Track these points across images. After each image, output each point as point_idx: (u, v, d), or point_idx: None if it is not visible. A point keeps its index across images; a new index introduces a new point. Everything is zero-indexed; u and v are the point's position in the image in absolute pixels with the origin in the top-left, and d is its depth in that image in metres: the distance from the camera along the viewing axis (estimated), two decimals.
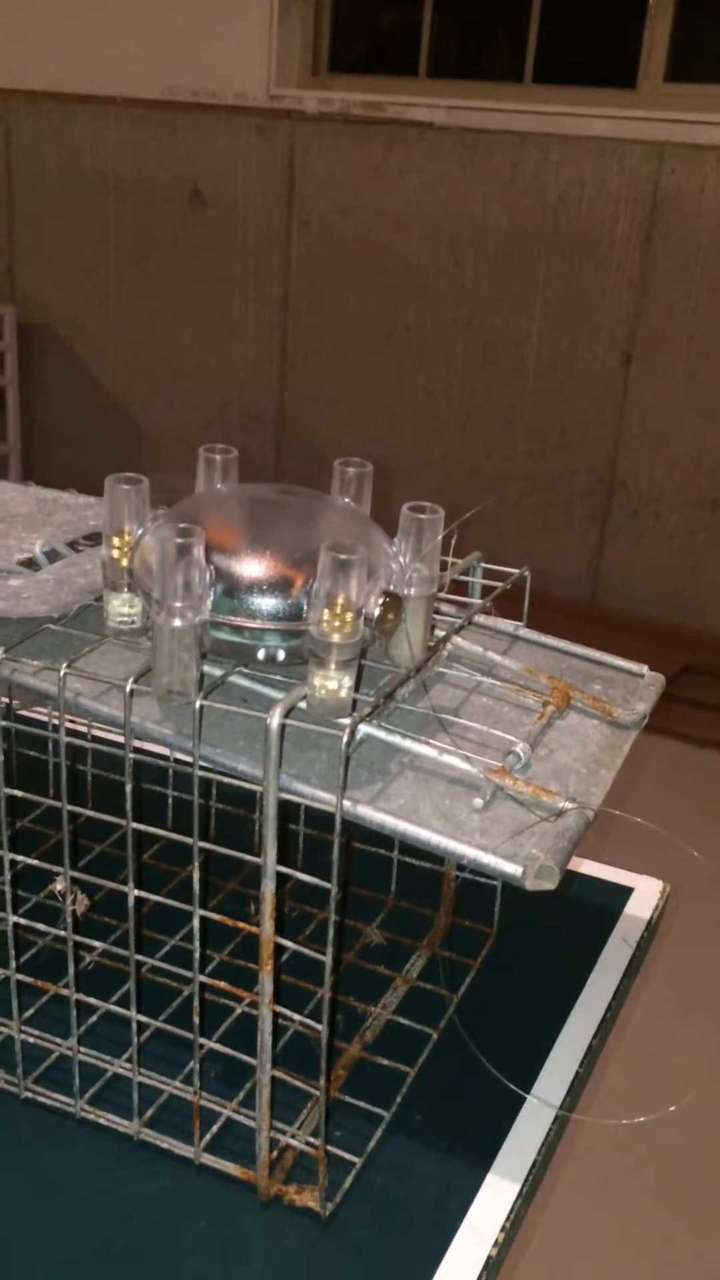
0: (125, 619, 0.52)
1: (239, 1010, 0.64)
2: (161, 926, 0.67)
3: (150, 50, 3.31)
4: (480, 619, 0.65)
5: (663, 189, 2.85)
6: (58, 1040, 0.60)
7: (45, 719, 0.82)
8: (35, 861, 0.55)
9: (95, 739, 0.80)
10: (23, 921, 0.57)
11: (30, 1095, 0.59)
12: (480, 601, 0.62)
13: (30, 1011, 0.63)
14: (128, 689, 0.49)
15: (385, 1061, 0.64)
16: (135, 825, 0.51)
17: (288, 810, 0.78)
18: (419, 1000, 0.68)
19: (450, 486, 3.25)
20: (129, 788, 0.51)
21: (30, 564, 0.61)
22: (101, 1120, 0.58)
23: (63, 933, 0.54)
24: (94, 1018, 0.62)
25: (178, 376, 3.54)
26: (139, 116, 3.38)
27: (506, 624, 0.66)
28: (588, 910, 0.77)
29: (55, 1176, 0.56)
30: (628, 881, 0.80)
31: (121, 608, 0.52)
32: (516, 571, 0.65)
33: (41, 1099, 0.59)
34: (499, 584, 0.64)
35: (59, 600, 0.56)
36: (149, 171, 3.41)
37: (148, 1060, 0.59)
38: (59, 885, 0.53)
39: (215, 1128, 0.58)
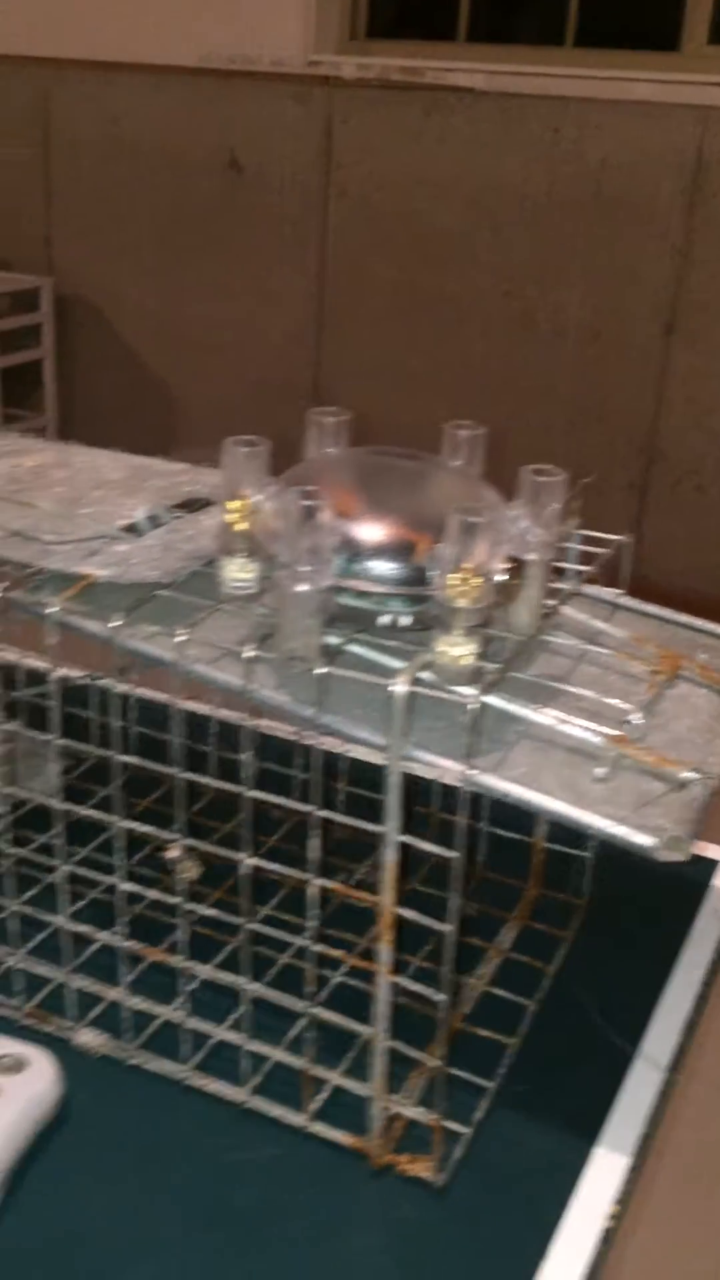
0: (240, 584, 0.51)
1: (336, 979, 0.63)
2: (258, 896, 0.67)
3: (187, 17, 3.28)
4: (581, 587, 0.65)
5: (706, 154, 2.81)
6: (162, 1007, 0.60)
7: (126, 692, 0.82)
8: (149, 829, 0.55)
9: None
10: (131, 888, 0.57)
11: (136, 1062, 0.59)
12: (588, 568, 0.61)
13: (131, 977, 0.63)
14: (246, 655, 0.48)
15: (485, 1033, 0.63)
16: (253, 794, 0.51)
17: (372, 779, 0.77)
18: (513, 972, 0.68)
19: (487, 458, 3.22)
20: (248, 755, 0.50)
21: (132, 530, 0.60)
22: (208, 1087, 0.58)
23: (173, 899, 0.54)
24: (193, 984, 0.62)
25: (213, 347, 3.52)
26: (176, 84, 3.35)
27: (608, 592, 0.65)
28: (678, 883, 0.77)
29: (164, 1143, 0.56)
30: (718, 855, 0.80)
31: (237, 573, 0.51)
32: (614, 538, 0.64)
33: (148, 1066, 0.59)
34: (600, 550, 0.63)
35: (168, 565, 0.55)
36: (186, 140, 3.39)
37: (249, 1027, 0.59)
38: (173, 852, 0.53)
39: (323, 1096, 0.57)
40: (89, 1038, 0.60)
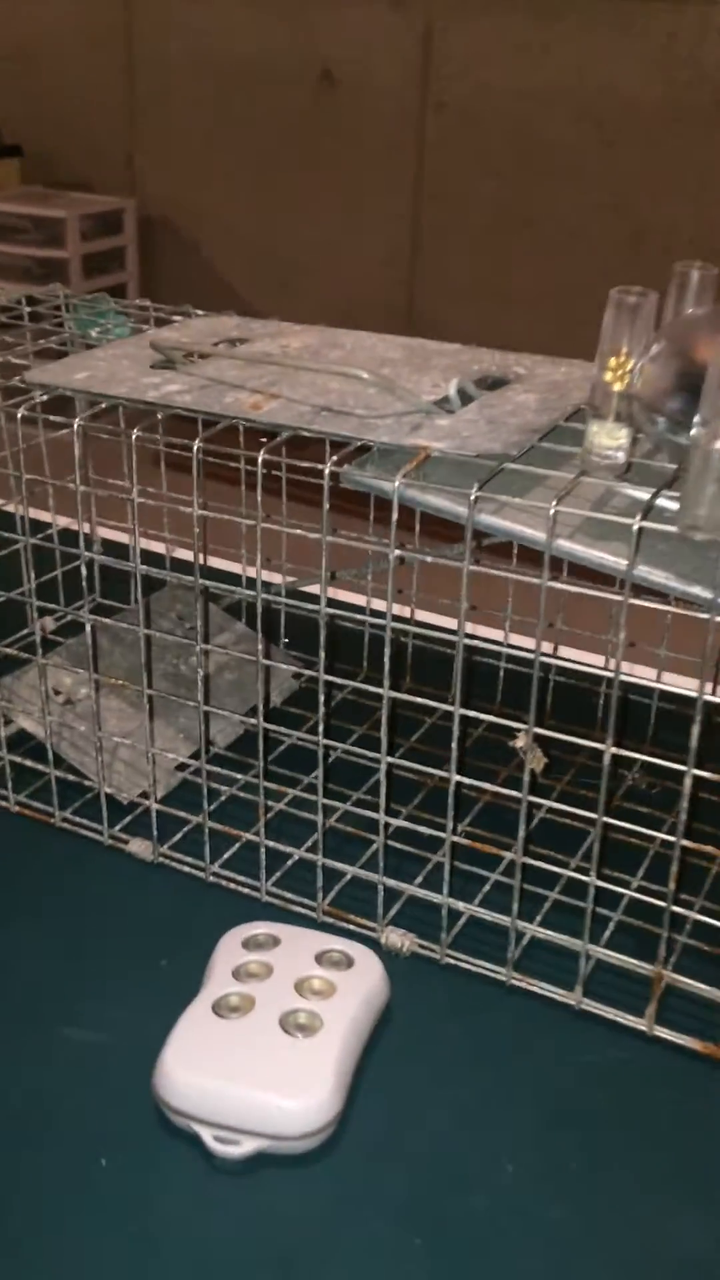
0: (607, 452, 0.48)
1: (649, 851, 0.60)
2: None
3: None
4: None
5: None
6: (495, 915, 0.58)
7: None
8: (497, 719, 0.52)
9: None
10: (468, 781, 0.54)
11: (451, 961, 0.57)
12: None
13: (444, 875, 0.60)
14: (635, 526, 0.44)
15: None
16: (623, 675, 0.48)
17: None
18: None
19: None
20: (621, 635, 0.47)
21: (444, 404, 0.56)
22: (536, 989, 0.56)
23: (516, 794, 0.51)
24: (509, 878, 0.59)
25: (304, 268, 3.45)
26: None
27: None
28: None
29: (502, 1044, 0.54)
30: None
31: (605, 439, 0.48)
32: None
33: (474, 967, 0.57)
34: None
35: (505, 439, 0.52)
36: (275, 52, 3.29)
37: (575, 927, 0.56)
38: (519, 741, 0.50)
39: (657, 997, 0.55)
40: (396, 937, 0.58)
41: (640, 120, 3.00)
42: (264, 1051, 0.48)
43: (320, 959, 0.53)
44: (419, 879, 0.62)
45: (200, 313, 0.75)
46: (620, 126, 3.03)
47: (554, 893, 0.60)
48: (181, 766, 0.70)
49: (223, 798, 0.68)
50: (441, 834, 0.56)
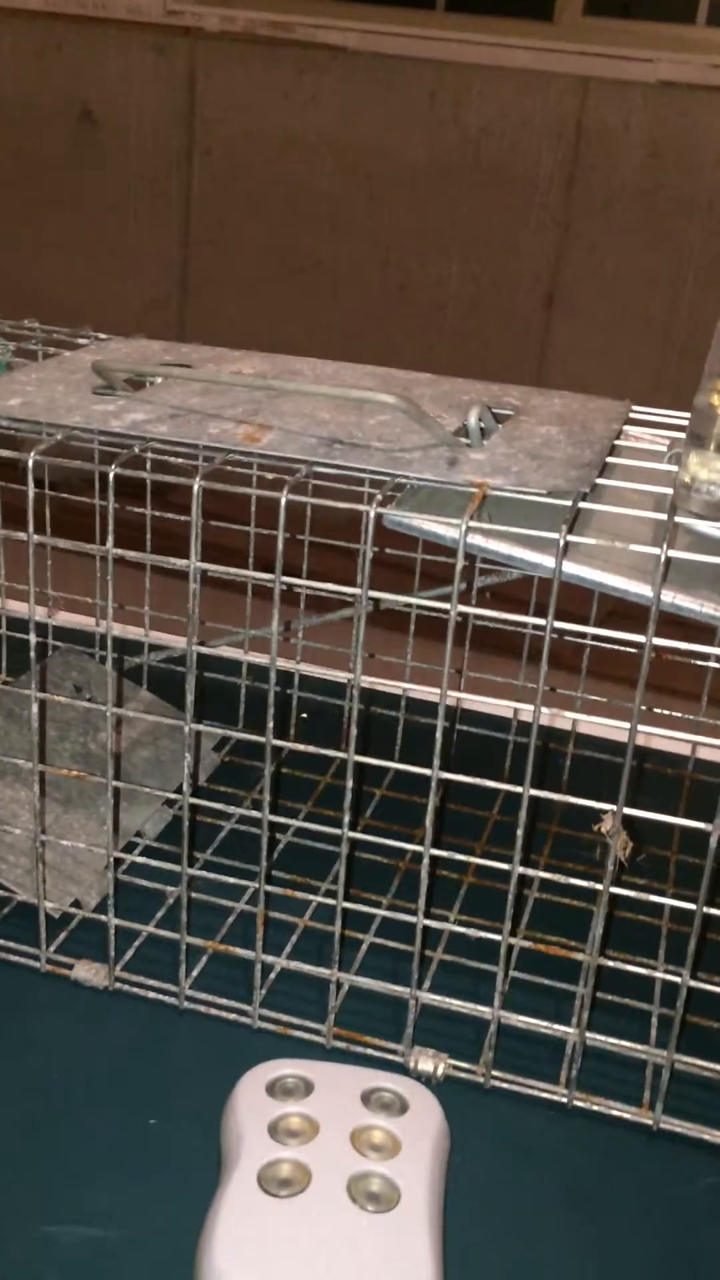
0: (711, 486, 0.41)
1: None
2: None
3: None
4: None
5: (586, 124, 2.81)
6: (551, 1024, 0.50)
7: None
8: (583, 801, 0.44)
9: None
10: (546, 877, 0.46)
11: (496, 1085, 0.49)
12: None
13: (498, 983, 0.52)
14: None
15: None
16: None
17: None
18: None
19: None
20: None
21: (464, 436, 0.49)
22: (601, 1108, 0.48)
23: (597, 886, 0.44)
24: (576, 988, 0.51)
25: (68, 311, 3.31)
26: (22, 28, 3.12)
27: None
28: None
29: (584, 1182, 0.46)
30: None
31: (707, 473, 0.41)
32: None
33: (526, 1089, 0.48)
34: None
35: (563, 474, 0.45)
36: (33, 90, 3.16)
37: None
38: (606, 824, 0.43)
39: None
40: (428, 1061, 0.49)
41: (405, 175, 3.04)
42: (343, 1240, 0.38)
43: (368, 1101, 0.44)
44: (427, 982, 0.53)
45: (103, 336, 0.65)
46: (386, 180, 3.06)
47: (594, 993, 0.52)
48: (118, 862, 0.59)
49: (170, 900, 0.57)
50: (496, 936, 0.47)
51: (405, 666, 0.70)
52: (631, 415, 0.57)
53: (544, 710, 0.42)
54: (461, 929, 0.51)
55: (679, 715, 0.65)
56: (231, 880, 0.55)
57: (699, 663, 0.63)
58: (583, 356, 3.15)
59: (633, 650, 0.48)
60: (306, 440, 0.47)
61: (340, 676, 0.73)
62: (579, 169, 2.95)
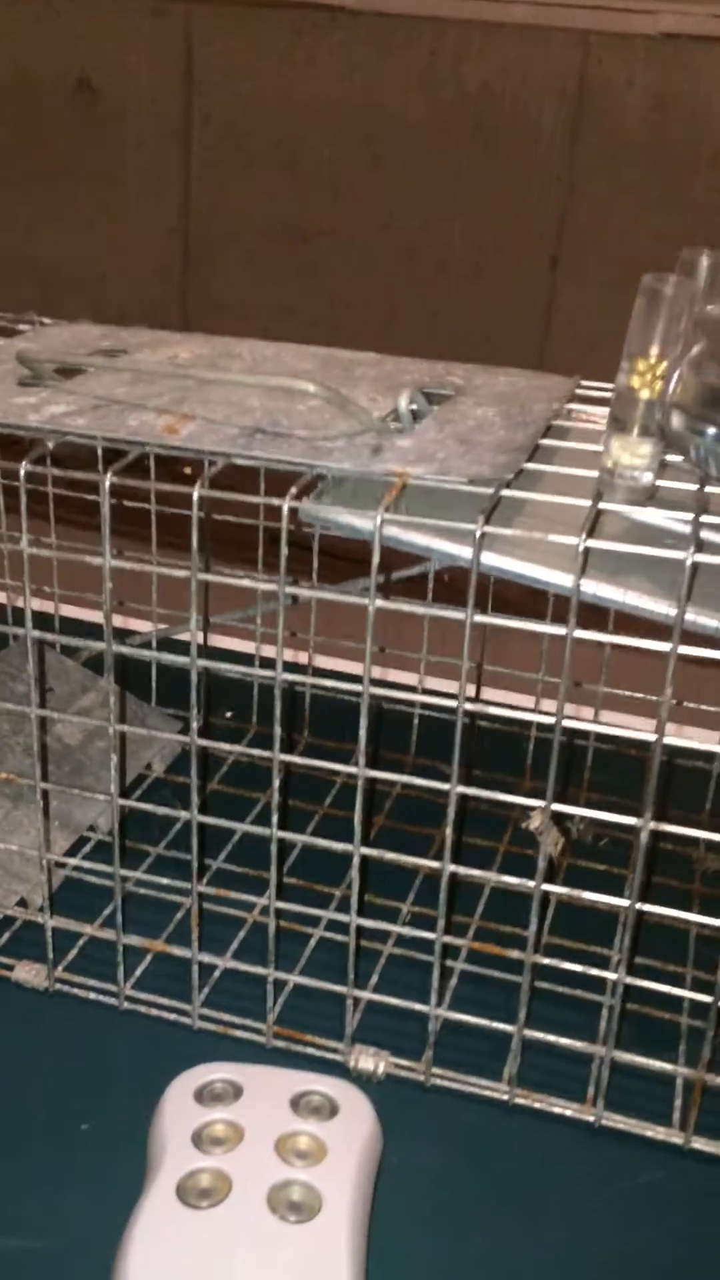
0: (633, 471, 0.40)
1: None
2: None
3: None
4: None
5: (588, 80, 2.75)
6: (493, 1022, 0.49)
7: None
8: (507, 796, 0.43)
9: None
10: (462, 871, 0.45)
11: (438, 1082, 0.48)
12: None
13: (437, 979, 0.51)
14: (688, 562, 0.37)
15: None
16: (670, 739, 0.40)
17: None
18: None
19: None
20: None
21: (391, 420, 0.48)
22: (543, 1105, 0.47)
23: (528, 881, 0.43)
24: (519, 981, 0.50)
25: (66, 279, 3.28)
26: None
27: None
28: None
29: (523, 1181, 0.45)
30: None
31: (629, 457, 0.40)
32: None
33: (468, 1087, 0.48)
34: None
35: (487, 461, 0.43)
36: (29, 59, 3.12)
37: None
38: (534, 821, 0.42)
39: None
40: (369, 1060, 0.48)
41: (406, 137, 3.00)
42: (260, 1252, 0.38)
43: (297, 1106, 0.43)
44: (374, 978, 0.52)
45: (47, 320, 0.64)
46: (387, 143, 3.02)
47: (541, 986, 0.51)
48: (61, 862, 0.58)
49: (117, 899, 0.56)
50: (429, 934, 0.46)
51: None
52: (581, 392, 0.56)
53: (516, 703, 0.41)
54: (408, 930, 0.50)
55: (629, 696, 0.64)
56: (176, 881, 0.54)
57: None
58: (589, 318, 3.11)
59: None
60: (228, 430, 0.45)
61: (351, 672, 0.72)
62: (582, 126, 2.90)
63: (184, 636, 0.73)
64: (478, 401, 0.51)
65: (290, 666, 0.44)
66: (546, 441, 0.47)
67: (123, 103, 3.15)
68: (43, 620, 0.74)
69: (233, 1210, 0.39)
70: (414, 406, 0.48)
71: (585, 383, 0.57)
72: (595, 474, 0.43)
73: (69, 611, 0.75)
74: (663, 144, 2.75)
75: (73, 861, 0.58)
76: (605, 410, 0.54)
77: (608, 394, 0.56)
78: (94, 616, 0.76)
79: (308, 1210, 0.39)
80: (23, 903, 0.55)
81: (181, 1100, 0.43)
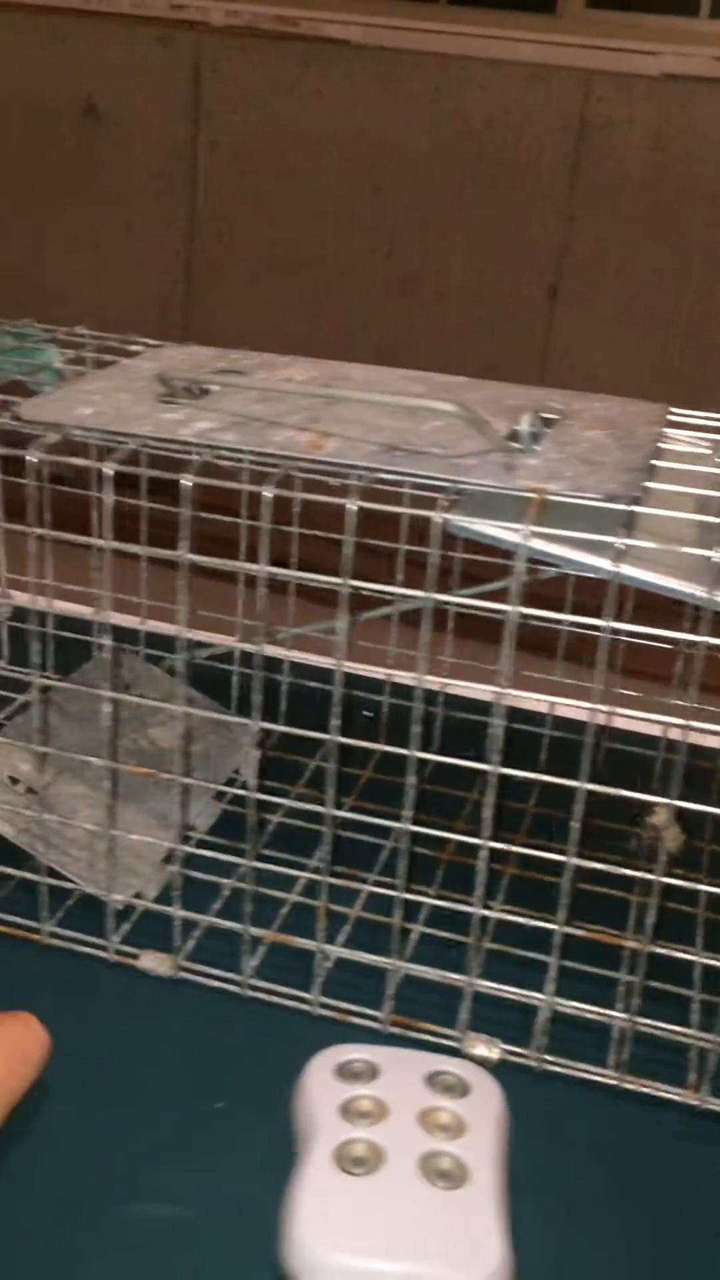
0: None
1: None
2: None
3: None
4: None
5: (590, 117, 2.82)
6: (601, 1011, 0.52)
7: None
8: (626, 793, 0.46)
9: None
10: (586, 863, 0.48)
11: (549, 1069, 0.50)
12: None
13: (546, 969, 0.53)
14: None
15: None
16: None
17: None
18: None
19: None
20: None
21: (514, 441, 0.51)
22: (650, 1089, 0.50)
23: (647, 876, 0.46)
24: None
25: (69, 300, 3.32)
26: (26, 22, 3.12)
27: None
28: None
29: (641, 1162, 0.48)
30: None
31: None
32: None
33: (577, 1072, 0.50)
34: None
35: (616, 479, 0.47)
36: (38, 83, 3.16)
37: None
38: (658, 816, 0.45)
39: None
40: (483, 1046, 0.51)
41: (409, 169, 3.05)
42: (419, 1215, 0.40)
43: (432, 1084, 0.46)
44: (476, 969, 0.55)
45: (153, 342, 0.67)
46: (390, 173, 3.07)
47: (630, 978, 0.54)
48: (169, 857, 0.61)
49: (226, 893, 0.59)
50: (550, 924, 0.49)
51: (447, 662, 0.71)
52: (669, 418, 0.59)
53: (581, 705, 0.44)
54: (514, 917, 0.53)
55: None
56: (284, 871, 0.56)
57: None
58: (587, 349, 3.16)
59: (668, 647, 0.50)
60: (367, 447, 0.48)
61: (389, 676, 0.75)
62: (583, 162, 2.96)
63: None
64: (585, 425, 0.55)
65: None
66: (655, 463, 0.50)
67: (129, 128, 3.20)
68: (128, 634, 0.77)
69: (388, 1177, 0.41)
70: (532, 429, 0.51)
71: (672, 409, 0.60)
72: (709, 492, 0.46)
73: (151, 626, 0.78)
74: (662, 181, 2.82)
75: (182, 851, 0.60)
76: (697, 435, 0.57)
77: (692, 420, 0.60)
78: (168, 629, 0.79)
79: (456, 1179, 0.42)
80: (138, 896, 0.58)
81: (324, 1077, 0.45)
